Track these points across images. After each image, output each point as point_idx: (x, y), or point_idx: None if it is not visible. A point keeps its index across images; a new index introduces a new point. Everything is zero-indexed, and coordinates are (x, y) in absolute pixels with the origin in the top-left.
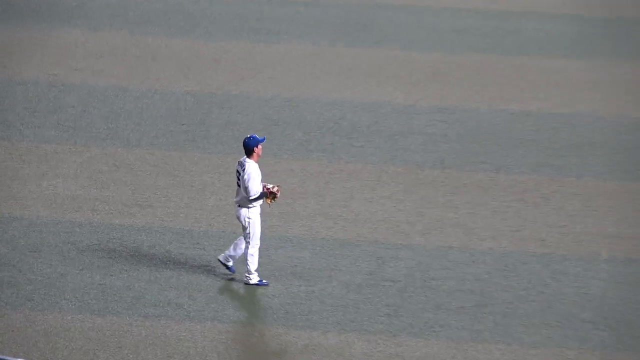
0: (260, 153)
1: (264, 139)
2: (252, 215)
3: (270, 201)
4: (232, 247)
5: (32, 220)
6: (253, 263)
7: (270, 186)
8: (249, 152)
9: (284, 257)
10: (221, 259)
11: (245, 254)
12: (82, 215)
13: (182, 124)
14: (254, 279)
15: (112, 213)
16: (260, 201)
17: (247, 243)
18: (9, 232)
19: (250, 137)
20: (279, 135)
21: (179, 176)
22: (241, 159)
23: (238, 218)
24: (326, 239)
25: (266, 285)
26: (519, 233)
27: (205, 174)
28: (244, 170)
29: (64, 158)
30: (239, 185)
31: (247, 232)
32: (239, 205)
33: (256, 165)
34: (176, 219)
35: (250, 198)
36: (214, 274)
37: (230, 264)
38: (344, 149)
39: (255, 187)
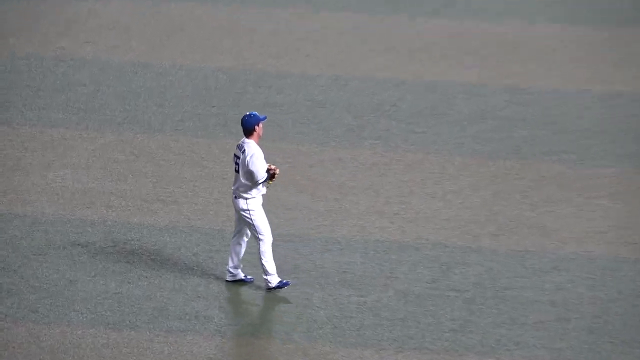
0: (261, 133)
1: (265, 117)
2: (252, 206)
3: (270, 182)
4: (229, 259)
5: (36, 218)
6: (269, 262)
7: (272, 166)
8: (248, 132)
9: (331, 262)
10: (229, 279)
11: (259, 254)
12: (94, 213)
13: (212, 106)
14: (274, 280)
15: (129, 210)
16: (263, 189)
17: (258, 240)
18: (9, 231)
19: (249, 115)
20: (325, 119)
21: (208, 167)
22: (240, 142)
23: (237, 212)
24: (381, 241)
25: (287, 285)
26: (607, 235)
27: None
28: (243, 152)
29: (73, 145)
30: (237, 172)
31: (253, 227)
32: (236, 196)
33: (257, 146)
34: (205, 217)
35: (260, 181)
36: (248, 283)
37: (242, 275)
38: (402, 136)
39: (262, 168)
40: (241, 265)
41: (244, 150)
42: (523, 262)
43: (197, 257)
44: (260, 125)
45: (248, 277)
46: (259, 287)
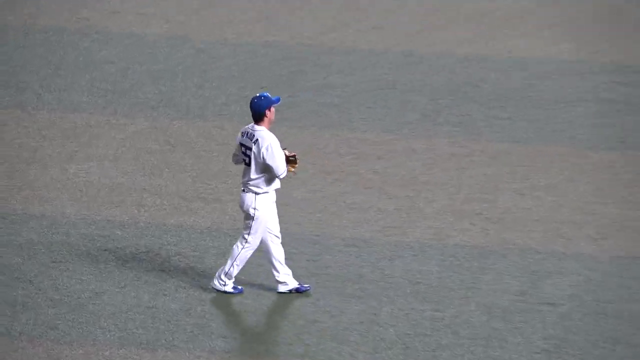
0: (272, 118)
1: (279, 99)
2: (261, 204)
3: (293, 168)
4: (272, 269)
5: (55, 219)
6: (239, 267)
7: (287, 152)
8: (258, 117)
9: (401, 271)
10: (282, 290)
11: (232, 252)
12: (124, 212)
13: (262, 87)
14: (229, 285)
15: (165, 209)
16: (279, 183)
17: (243, 241)
18: (23, 234)
19: (260, 97)
20: (395, 103)
21: None
22: (247, 128)
23: (241, 207)
24: (460, 245)
25: (241, 293)
26: None
27: None
28: (256, 142)
29: (99, 133)
30: (247, 164)
31: (250, 225)
32: (244, 190)
33: (271, 133)
34: None
35: (281, 176)
36: (305, 295)
37: (296, 283)
38: (485, 122)
39: (282, 161)
40: (290, 272)
41: (257, 140)
42: (628, 271)
43: (244, 265)
44: (272, 109)
45: (304, 285)
46: (316, 301)
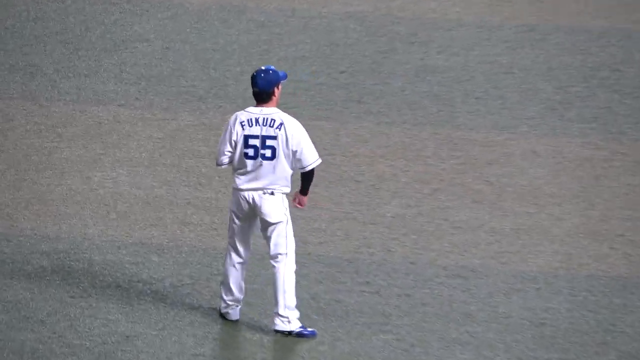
0: (279, 98)
1: (286, 74)
2: (287, 205)
3: None
4: (232, 288)
5: (74, 241)
6: (293, 290)
7: None
8: (266, 97)
9: (520, 308)
10: (231, 317)
11: (276, 278)
12: (162, 233)
13: (341, 72)
14: (296, 320)
15: (215, 229)
16: None
17: (280, 256)
18: (33, 262)
19: (267, 71)
20: (512, 91)
21: (335, 164)
22: (253, 114)
23: (266, 218)
24: (595, 276)
25: (313, 336)
26: None
27: (380, 159)
28: (281, 127)
29: (131, 131)
30: (267, 159)
31: (282, 233)
32: (272, 192)
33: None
34: (330, 239)
35: (307, 170)
36: (397, 339)
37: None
38: (629, 118)
39: (313, 149)
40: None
41: (281, 124)
42: None
43: (317, 301)
44: (280, 86)
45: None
46: (410, 347)
